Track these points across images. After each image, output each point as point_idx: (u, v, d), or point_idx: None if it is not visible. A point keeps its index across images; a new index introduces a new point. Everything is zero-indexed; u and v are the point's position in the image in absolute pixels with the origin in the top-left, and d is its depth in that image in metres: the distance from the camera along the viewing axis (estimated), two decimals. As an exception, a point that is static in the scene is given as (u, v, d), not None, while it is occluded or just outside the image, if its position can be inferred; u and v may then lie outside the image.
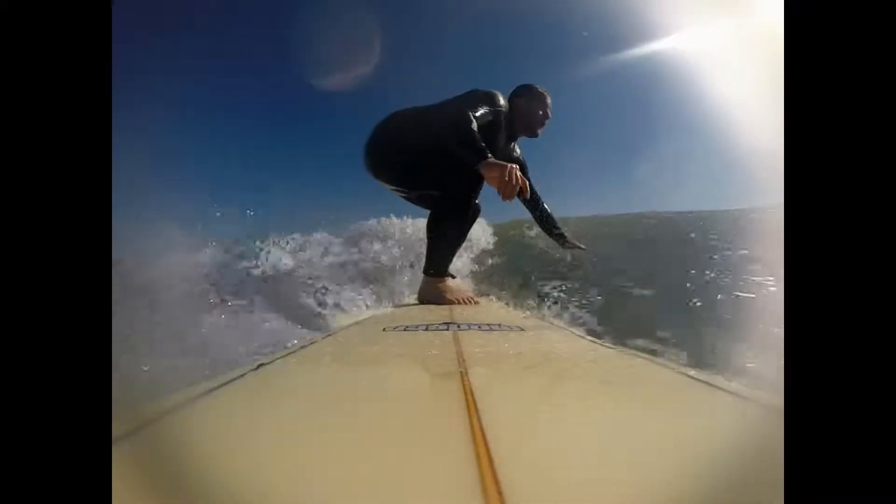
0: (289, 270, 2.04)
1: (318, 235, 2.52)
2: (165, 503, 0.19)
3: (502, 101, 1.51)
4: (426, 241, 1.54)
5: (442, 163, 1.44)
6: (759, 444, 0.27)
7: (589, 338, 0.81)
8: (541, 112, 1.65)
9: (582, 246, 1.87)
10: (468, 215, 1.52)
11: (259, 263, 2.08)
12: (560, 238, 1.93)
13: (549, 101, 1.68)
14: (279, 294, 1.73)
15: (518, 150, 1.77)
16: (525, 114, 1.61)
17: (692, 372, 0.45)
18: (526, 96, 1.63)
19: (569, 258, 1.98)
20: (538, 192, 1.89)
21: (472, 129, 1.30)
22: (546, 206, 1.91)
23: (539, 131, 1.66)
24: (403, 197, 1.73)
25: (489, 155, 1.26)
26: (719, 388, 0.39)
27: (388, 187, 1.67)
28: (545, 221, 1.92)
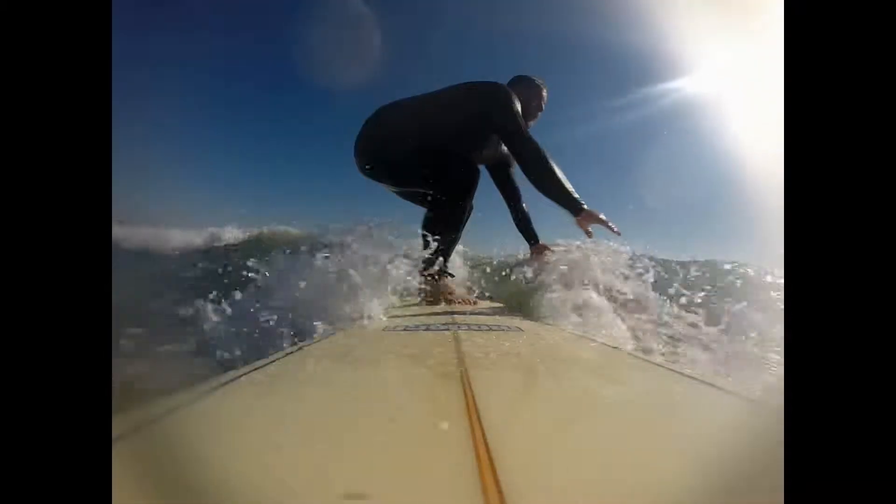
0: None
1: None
2: (165, 503, 0.19)
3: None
4: (422, 241, 1.54)
5: (439, 163, 1.43)
6: (759, 444, 0.27)
7: (588, 338, 0.81)
8: (534, 104, 1.63)
9: (552, 249, 1.86)
10: (465, 215, 1.52)
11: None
12: (531, 240, 1.91)
13: (544, 93, 1.65)
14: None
15: None
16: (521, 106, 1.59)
17: (692, 372, 0.45)
18: (522, 88, 1.59)
19: (533, 262, 1.89)
20: (520, 191, 1.88)
21: (563, 182, 1.41)
22: (525, 207, 1.90)
23: (531, 124, 1.63)
24: (395, 192, 1.71)
25: (584, 205, 1.40)
26: (719, 388, 0.39)
27: (380, 184, 1.64)
28: (521, 221, 1.90)
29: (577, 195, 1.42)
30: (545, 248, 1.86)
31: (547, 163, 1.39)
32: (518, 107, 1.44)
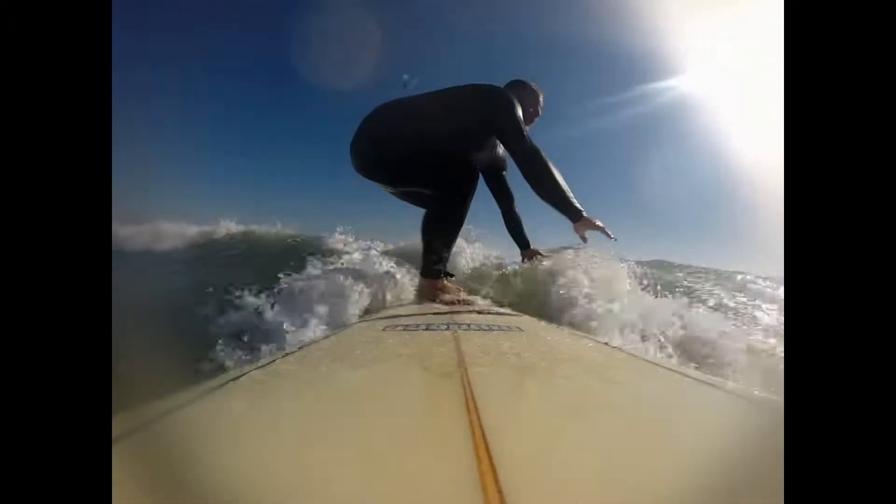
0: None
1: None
2: (165, 503, 0.19)
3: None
4: (421, 243, 1.53)
5: (438, 164, 1.43)
6: (759, 444, 0.27)
7: (589, 337, 0.81)
8: (531, 110, 1.62)
9: (543, 254, 1.83)
10: (464, 216, 1.51)
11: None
12: (522, 244, 1.90)
13: (541, 99, 1.65)
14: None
15: (502, 148, 1.70)
16: None
17: (692, 372, 0.45)
18: (518, 92, 1.57)
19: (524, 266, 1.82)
20: (513, 193, 1.87)
21: (563, 188, 1.40)
22: (517, 211, 1.89)
23: (528, 128, 1.62)
24: (391, 193, 1.71)
25: (583, 211, 1.40)
26: (719, 388, 0.39)
27: (376, 184, 1.64)
28: (512, 224, 1.89)
29: (576, 201, 1.41)
30: (536, 252, 1.85)
31: (547, 168, 1.38)
32: (519, 111, 1.43)
